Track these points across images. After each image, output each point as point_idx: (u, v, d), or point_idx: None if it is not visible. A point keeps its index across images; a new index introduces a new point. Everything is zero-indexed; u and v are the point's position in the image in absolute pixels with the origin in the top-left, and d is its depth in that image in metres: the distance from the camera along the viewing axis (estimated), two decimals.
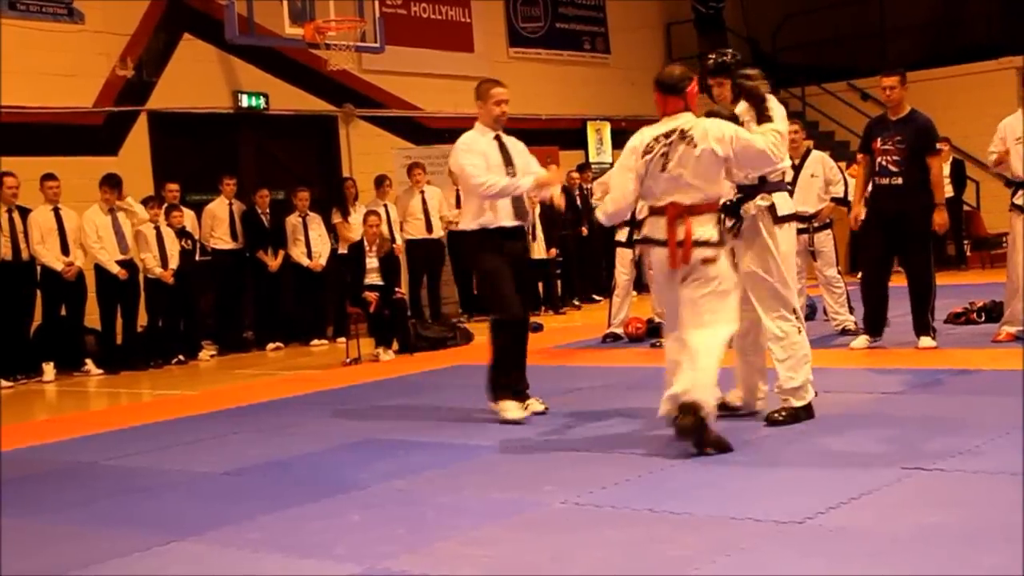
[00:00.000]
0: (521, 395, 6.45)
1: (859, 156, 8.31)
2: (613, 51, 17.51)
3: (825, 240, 8.95)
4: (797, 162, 9.04)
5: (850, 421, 5.71)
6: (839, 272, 9.20)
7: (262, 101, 13.02)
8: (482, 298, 6.58)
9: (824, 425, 5.65)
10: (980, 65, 15.87)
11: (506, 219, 6.41)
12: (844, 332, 8.80)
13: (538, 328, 11.69)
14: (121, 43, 11.96)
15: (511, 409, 6.30)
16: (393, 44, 13.24)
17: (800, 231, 8.86)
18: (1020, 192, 7.79)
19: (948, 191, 14.64)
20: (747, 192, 5.72)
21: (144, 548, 4.28)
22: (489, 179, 6.36)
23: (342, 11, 11.85)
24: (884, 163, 7.85)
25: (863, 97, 15.78)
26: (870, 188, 8.16)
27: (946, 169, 14.60)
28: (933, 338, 7.91)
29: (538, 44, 16.48)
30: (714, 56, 5.78)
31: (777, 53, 18.43)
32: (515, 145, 6.72)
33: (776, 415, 5.69)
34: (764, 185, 5.72)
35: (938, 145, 8.11)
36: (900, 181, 7.75)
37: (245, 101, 12.89)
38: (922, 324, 7.94)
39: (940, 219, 7.81)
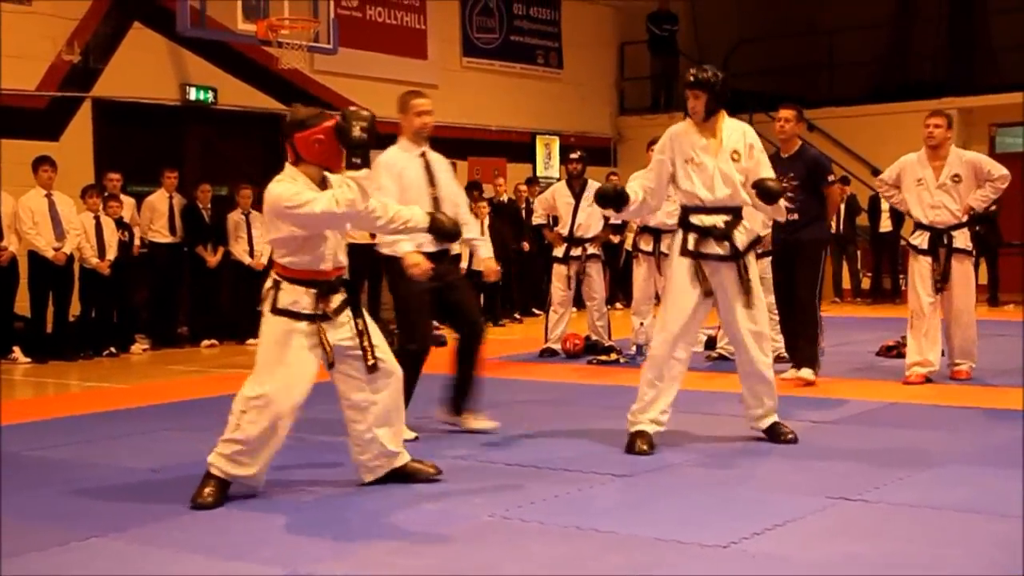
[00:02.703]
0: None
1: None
2: (566, 66, 17.57)
3: (766, 267, 8.97)
4: None
5: (778, 449, 5.75)
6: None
7: (210, 95, 12.90)
8: (397, 323, 6.47)
9: (752, 452, 5.71)
10: (922, 103, 16.14)
11: (428, 244, 6.01)
12: (779, 359, 8.83)
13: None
14: (69, 27, 11.78)
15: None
16: (346, 46, 13.17)
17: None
18: (917, 232, 7.90)
19: (887, 225, 15.04)
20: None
21: (63, 543, 4.23)
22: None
23: (296, 10, 11.75)
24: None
25: (809, 128, 15.96)
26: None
27: (885, 204, 14.91)
28: (814, 370, 7.89)
29: (491, 55, 16.50)
30: (697, 71, 5.77)
31: (728, 78, 18.60)
32: (440, 163, 6.38)
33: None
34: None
35: (830, 177, 8.12)
36: (796, 217, 7.75)
37: (193, 94, 12.76)
38: (804, 356, 7.92)
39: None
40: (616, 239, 10.49)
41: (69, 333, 10.76)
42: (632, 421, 5.76)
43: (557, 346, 9.90)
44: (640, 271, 9.41)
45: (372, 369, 4.84)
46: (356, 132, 4.67)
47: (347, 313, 4.86)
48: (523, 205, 14.51)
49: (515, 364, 9.65)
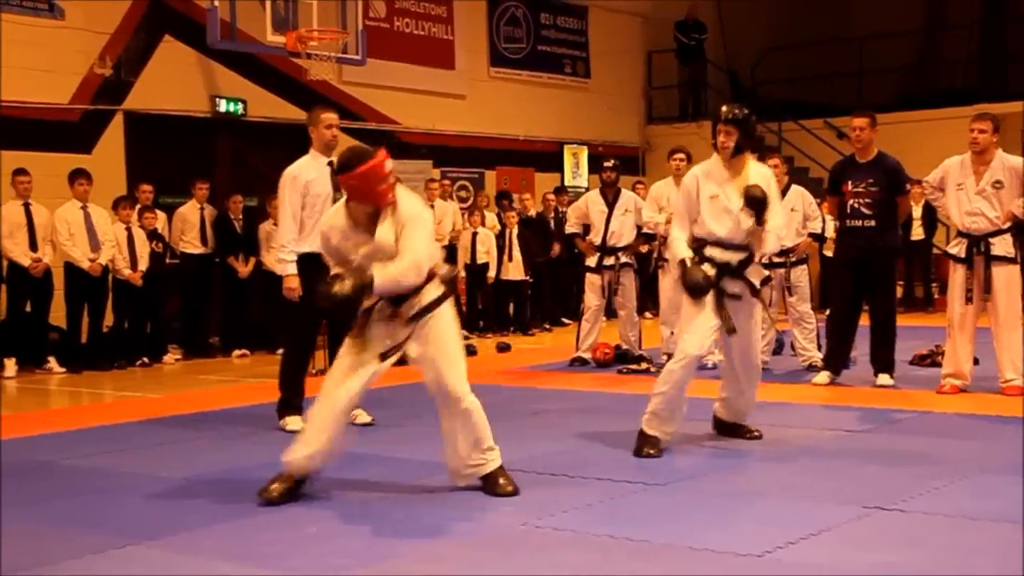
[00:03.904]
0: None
1: (828, 198, 8.33)
2: (593, 76, 17.54)
3: (800, 275, 8.98)
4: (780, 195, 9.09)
5: (812, 457, 5.72)
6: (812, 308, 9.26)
7: (240, 107, 12.97)
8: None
9: (786, 460, 5.67)
10: (955, 111, 16.01)
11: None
12: (811, 368, 8.81)
13: (505, 348, 11.71)
14: (101, 41, 11.88)
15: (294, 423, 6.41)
16: (374, 57, 13.21)
17: (776, 265, 8.99)
18: (956, 240, 7.79)
19: (919, 233, 14.91)
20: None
21: (98, 550, 4.24)
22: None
23: (325, 21, 11.80)
24: (856, 205, 7.91)
25: (838, 135, 15.86)
26: (837, 229, 8.26)
27: (917, 211, 14.77)
28: (891, 376, 7.99)
29: (519, 65, 16.50)
30: (731, 108, 5.90)
31: (756, 87, 18.54)
32: None
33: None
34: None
35: (908, 186, 8.19)
36: (873, 223, 7.83)
37: (223, 106, 12.84)
38: (884, 362, 8.01)
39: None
40: (646, 248, 10.45)
41: (103, 343, 10.82)
42: (648, 424, 5.82)
43: (588, 355, 9.86)
44: (667, 280, 9.37)
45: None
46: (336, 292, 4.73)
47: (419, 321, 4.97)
48: (552, 215, 14.49)
49: (545, 373, 9.64)
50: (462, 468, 5.03)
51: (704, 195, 5.88)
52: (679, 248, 5.97)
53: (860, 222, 7.89)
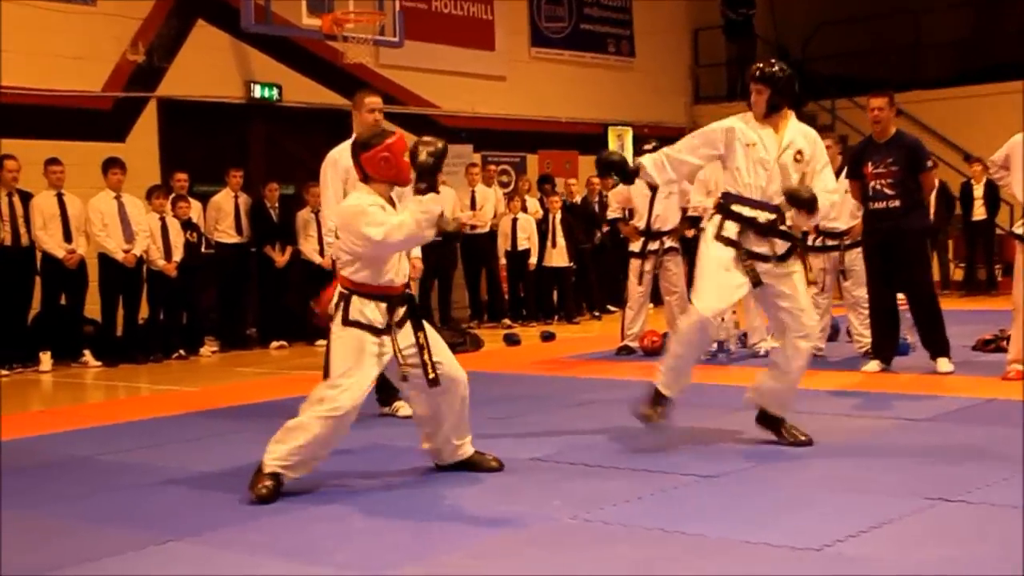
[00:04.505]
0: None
1: (850, 182, 8.06)
2: (638, 54, 17.25)
3: (855, 259, 8.66)
4: None
5: (871, 447, 5.57)
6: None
7: (275, 92, 12.81)
8: None
9: (843, 450, 5.52)
10: (1014, 84, 15.51)
11: None
12: (867, 354, 8.51)
13: (550, 337, 11.46)
14: (133, 27, 11.75)
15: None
16: (412, 39, 13.01)
17: (830, 248, 8.75)
18: (1022, 220, 7.57)
19: (980, 213, 14.45)
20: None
21: (140, 547, 4.20)
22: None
23: (361, 4, 11.63)
24: (878, 186, 7.75)
25: (896, 112, 15.45)
26: (862, 213, 8.10)
27: (979, 190, 14.33)
28: (950, 359, 7.78)
29: (561, 45, 16.22)
30: (762, 65, 5.61)
31: (807, 63, 18.12)
32: None
33: None
34: None
35: (929, 162, 7.99)
36: (897, 204, 7.67)
37: (257, 92, 12.68)
38: (937, 346, 7.81)
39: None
40: (692, 233, 10.12)
41: (138, 336, 10.72)
42: (665, 385, 5.66)
43: (635, 344, 9.62)
44: None
45: (433, 383, 4.91)
46: (423, 156, 4.79)
47: (409, 326, 4.97)
48: (596, 199, 14.19)
49: (592, 362, 9.51)
50: (447, 448, 5.16)
51: (740, 143, 5.54)
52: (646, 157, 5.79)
53: (884, 203, 7.73)
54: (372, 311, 4.86)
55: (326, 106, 13.16)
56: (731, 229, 5.51)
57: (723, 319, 9.11)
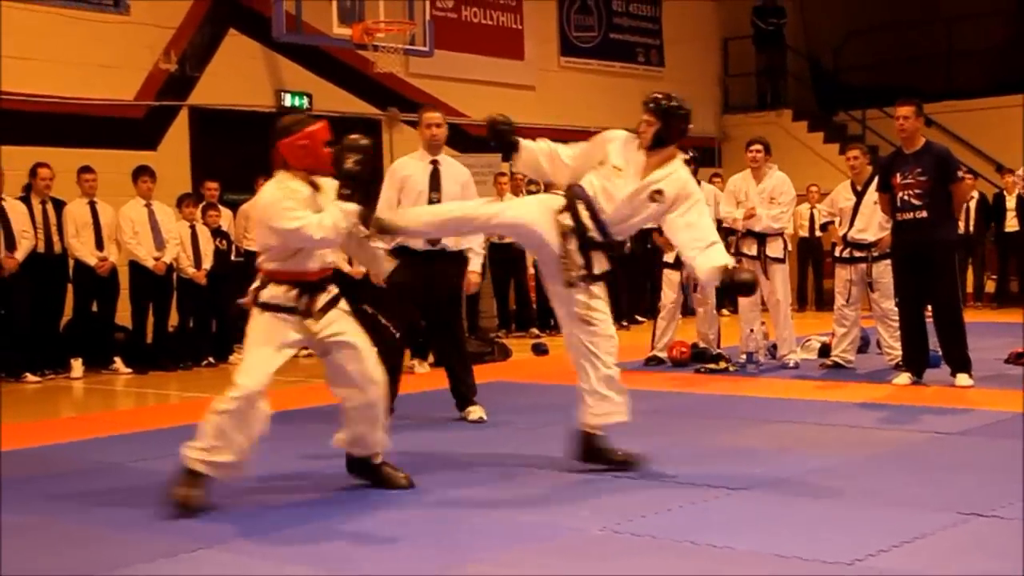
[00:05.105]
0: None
1: (879, 195, 7.99)
2: (667, 64, 17.20)
3: (884, 271, 8.60)
4: (860, 188, 8.74)
5: (902, 461, 5.53)
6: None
7: (305, 101, 12.84)
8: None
9: (875, 463, 5.48)
10: None
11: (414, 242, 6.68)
12: (897, 367, 8.45)
13: None
14: (165, 36, 11.83)
15: None
16: (442, 48, 12.98)
17: (858, 260, 8.68)
18: None
19: (1013, 225, 14.30)
20: None
21: (170, 554, 4.21)
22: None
23: (392, 13, 11.60)
24: (906, 197, 7.64)
25: (927, 123, 15.31)
26: (891, 226, 8.02)
27: (1011, 202, 14.17)
28: (970, 375, 7.67)
29: (590, 54, 16.19)
30: (656, 94, 5.41)
31: (838, 72, 18.04)
32: (452, 173, 6.98)
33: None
34: None
35: (960, 172, 7.92)
36: (925, 214, 7.56)
37: (288, 100, 12.73)
38: (958, 362, 7.71)
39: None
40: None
41: (168, 343, 10.76)
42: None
43: (663, 354, 9.59)
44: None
45: (360, 373, 4.90)
46: (348, 164, 4.79)
47: (337, 312, 4.93)
48: None
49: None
50: (357, 451, 5.13)
51: (612, 160, 5.30)
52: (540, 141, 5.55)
53: (911, 214, 7.63)
54: (285, 294, 4.83)
55: (356, 115, 13.19)
56: (566, 219, 5.24)
57: (752, 330, 9.09)
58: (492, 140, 5.57)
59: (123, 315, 10.64)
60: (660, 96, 5.36)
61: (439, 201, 6.74)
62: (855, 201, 8.78)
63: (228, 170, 11.88)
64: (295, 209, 4.73)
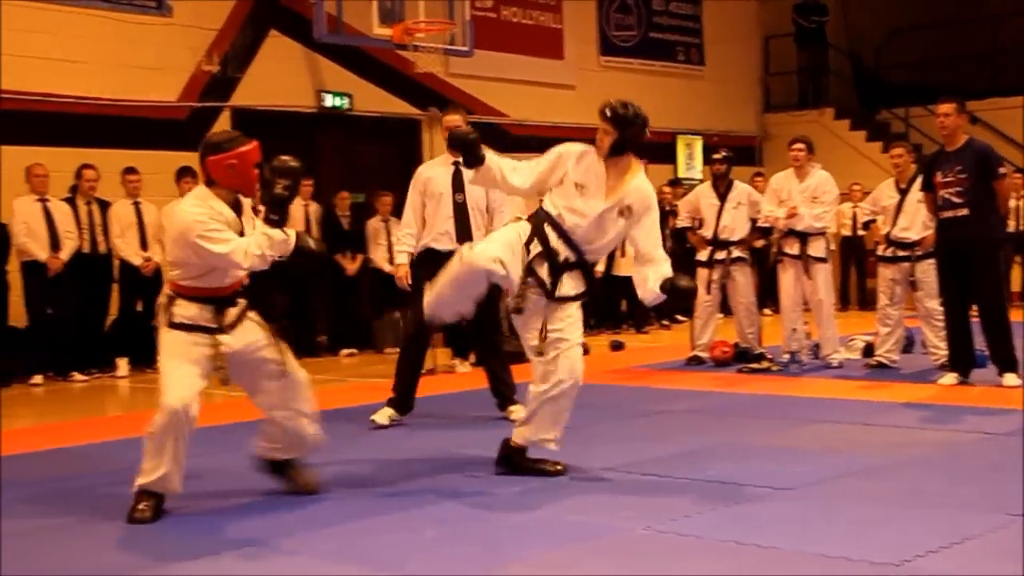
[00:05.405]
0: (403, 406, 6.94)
1: (924, 195, 7.91)
2: (708, 63, 17.11)
3: (927, 270, 8.50)
4: (904, 186, 8.66)
5: (950, 461, 5.47)
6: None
7: (346, 101, 12.89)
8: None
9: (921, 464, 5.42)
10: None
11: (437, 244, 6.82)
12: (943, 367, 8.35)
13: (619, 347, 11.38)
14: (208, 38, 11.92)
15: (380, 414, 6.93)
16: (481, 48, 13.00)
17: (901, 259, 8.60)
18: None
19: None
20: None
21: (215, 552, 4.24)
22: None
23: (432, 13, 11.65)
24: (947, 195, 7.59)
25: (972, 121, 15.14)
26: (935, 224, 7.95)
27: None
28: (1019, 374, 7.58)
29: (630, 53, 16.14)
30: (612, 102, 5.25)
31: (881, 70, 17.86)
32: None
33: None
34: None
35: (1002, 169, 7.83)
36: (965, 212, 7.49)
37: (328, 101, 12.78)
38: (1004, 362, 7.63)
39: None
40: (761, 243, 10.03)
41: None
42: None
43: (704, 354, 9.54)
44: (787, 276, 9.13)
45: (283, 375, 4.88)
46: (278, 189, 4.69)
47: (249, 323, 4.88)
48: (668, 208, 14.07)
49: (661, 373, 9.41)
50: (273, 453, 5.09)
51: (573, 178, 5.19)
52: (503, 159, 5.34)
53: (952, 212, 7.56)
54: (197, 312, 4.73)
55: (397, 115, 13.24)
56: (534, 248, 5.17)
57: (795, 329, 9.04)
58: (457, 147, 5.41)
59: None
60: (616, 104, 5.23)
61: (463, 202, 6.82)
62: (898, 199, 8.70)
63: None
64: (223, 231, 4.64)
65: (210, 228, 4.61)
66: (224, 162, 4.72)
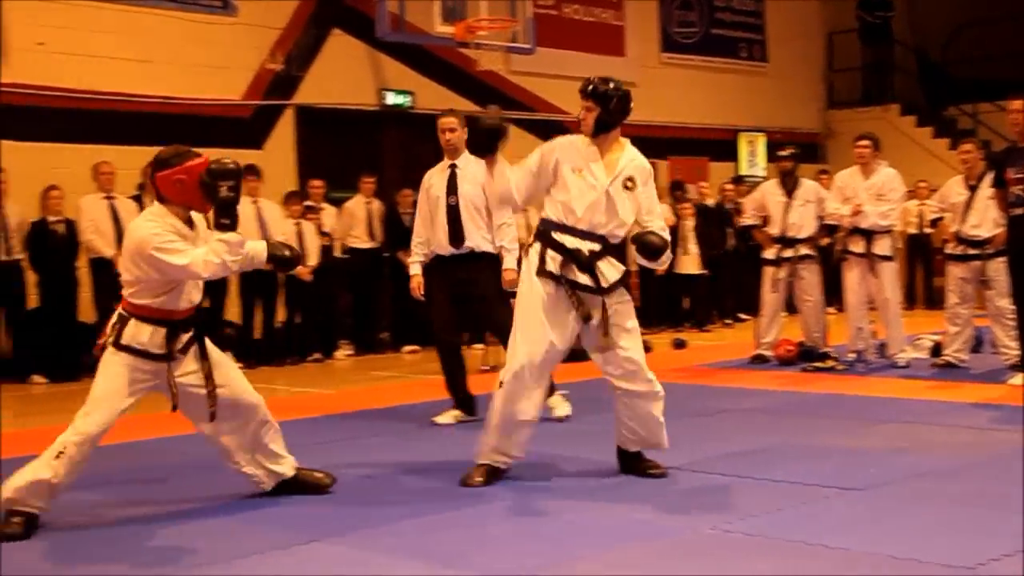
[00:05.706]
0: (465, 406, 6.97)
1: (996, 191, 7.75)
2: (771, 59, 16.98)
3: (999, 269, 8.34)
4: (973, 183, 8.51)
5: (1020, 463, 5.28)
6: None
7: (408, 99, 12.96)
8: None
9: (991, 465, 5.32)
10: None
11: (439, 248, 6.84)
12: (1014, 367, 8.19)
13: (681, 345, 11.32)
14: (272, 37, 12.05)
15: (445, 416, 6.98)
16: (543, 46, 13.00)
17: (971, 258, 8.46)
18: None
19: None
20: None
21: (283, 546, 4.26)
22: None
23: (494, 11, 11.68)
24: (1019, 192, 7.40)
25: None
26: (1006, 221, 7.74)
27: None
28: None
29: (692, 50, 16.07)
30: (595, 80, 5.17)
31: (947, 66, 17.57)
32: (469, 172, 6.73)
33: None
34: None
35: None
36: None
37: (391, 99, 12.86)
38: None
39: None
40: (827, 241, 9.91)
41: (276, 339, 10.93)
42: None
43: (769, 352, 9.46)
44: (852, 274, 9.03)
45: (212, 417, 4.77)
46: (223, 192, 4.51)
47: (194, 352, 4.76)
48: (730, 205, 13.99)
49: (725, 371, 9.34)
50: (261, 472, 5.01)
51: (566, 167, 5.10)
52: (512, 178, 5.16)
53: (1022, 209, 7.36)
54: (149, 336, 4.60)
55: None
56: (551, 262, 5.07)
57: (861, 328, 8.94)
58: (480, 132, 5.17)
59: (232, 311, 10.84)
60: (595, 80, 5.18)
61: (456, 204, 6.74)
62: (967, 196, 8.55)
63: (332, 168, 12.05)
64: (179, 241, 4.55)
65: (166, 240, 4.52)
66: (172, 177, 4.59)
